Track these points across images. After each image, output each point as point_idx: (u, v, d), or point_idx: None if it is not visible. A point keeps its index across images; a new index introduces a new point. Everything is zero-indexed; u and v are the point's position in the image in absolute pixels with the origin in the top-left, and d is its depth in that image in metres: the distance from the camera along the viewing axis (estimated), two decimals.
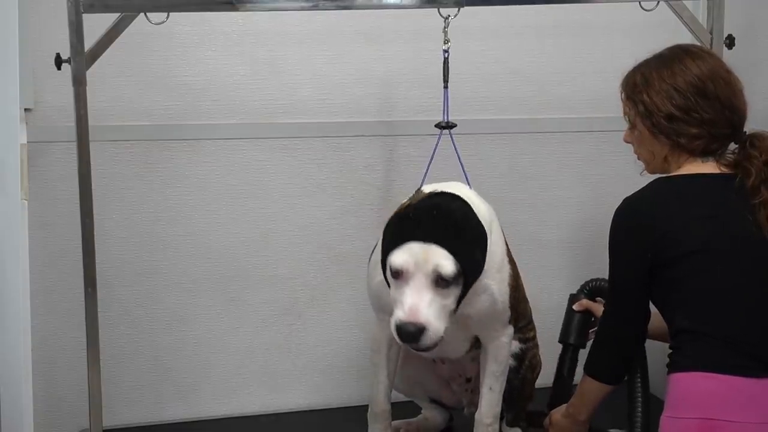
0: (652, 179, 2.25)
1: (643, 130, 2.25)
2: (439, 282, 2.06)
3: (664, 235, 2.11)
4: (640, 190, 2.21)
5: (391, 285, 2.13)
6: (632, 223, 2.17)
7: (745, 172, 2.15)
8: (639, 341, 2.27)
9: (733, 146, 2.23)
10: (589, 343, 2.45)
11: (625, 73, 2.30)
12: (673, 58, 2.23)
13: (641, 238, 2.14)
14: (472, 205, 2.19)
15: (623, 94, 2.30)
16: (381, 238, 2.20)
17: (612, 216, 2.21)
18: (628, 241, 2.17)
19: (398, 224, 2.16)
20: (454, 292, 2.10)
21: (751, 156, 2.16)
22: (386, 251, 2.13)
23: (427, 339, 2.05)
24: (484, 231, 2.19)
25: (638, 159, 2.35)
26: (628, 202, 2.21)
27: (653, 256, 2.12)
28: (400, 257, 2.08)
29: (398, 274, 2.08)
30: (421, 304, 2.05)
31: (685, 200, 2.16)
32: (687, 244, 2.09)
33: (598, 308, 2.53)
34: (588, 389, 2.30)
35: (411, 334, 2.03)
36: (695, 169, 2.20)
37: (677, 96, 2.18)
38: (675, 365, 2.12)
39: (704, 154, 2.20)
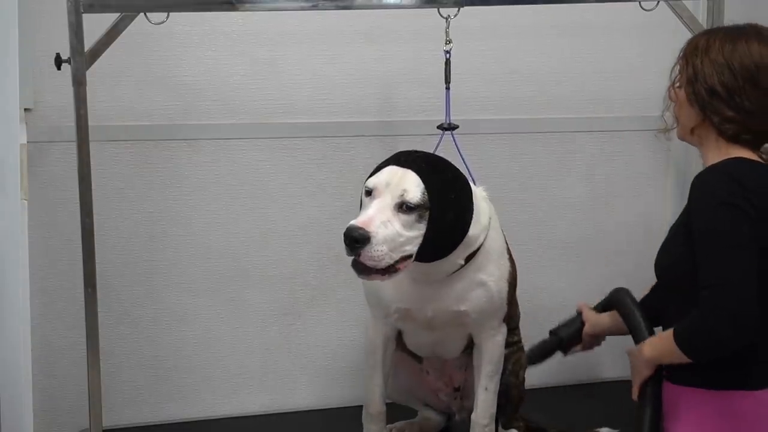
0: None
1: (682, 94, 2.19)
2: (403, 208, 2.07)
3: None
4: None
5: (361, 208, 2.15)
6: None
7: None
8: None
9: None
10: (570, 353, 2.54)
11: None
12: (742, 35, 2.14)
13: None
14: (470, 184, 2.22)
15: (682, 52, 2.22)
16: None
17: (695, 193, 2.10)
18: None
19: (388, 157, 2.21)
20: (417, 226, 2.09)
21: None
22: (368, 177, 2.17)
23: (370, 251, 2.02)
24: (469, 188, 2.21)
25: (675, 121, 2.27)
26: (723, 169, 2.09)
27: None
28: (376, 176, 2.13)
29: (369, 193, 2.12)
30: (377, 218, 2.05)
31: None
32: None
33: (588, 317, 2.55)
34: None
35: (353, 238, 2.02)
36: (748, 156, 2.12)
37: (728, 74, 2.10)
38: (739, 382, 2.09)
39: (733, 140, 2.13)
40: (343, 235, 2.04)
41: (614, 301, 2.49)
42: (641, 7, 2.59)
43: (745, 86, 2.09)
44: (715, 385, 2.08)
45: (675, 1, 2.67)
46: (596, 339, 2.59)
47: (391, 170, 2.13)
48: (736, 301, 1.95)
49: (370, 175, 2.16)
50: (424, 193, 2.08)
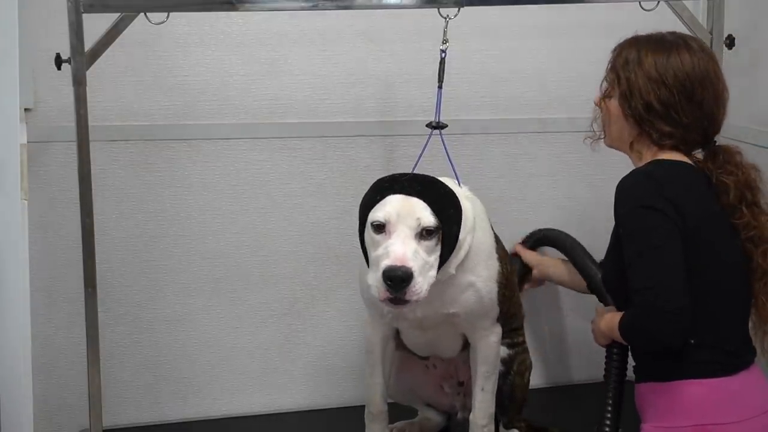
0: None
1: (616, 107, 2.21)
2: (423, 234, 2.07)
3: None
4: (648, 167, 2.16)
5: (372, 245, 2.12)
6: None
7: (723, 186, 2.15)
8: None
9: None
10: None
11: (620, 42, 2.27)
12: (672, 46, 2.18)
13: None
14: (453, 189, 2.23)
15: (610, 63, 2.26)
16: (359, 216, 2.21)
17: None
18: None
19: (375, 187, 2.19)
20: (436, 249, 2.10)
21: (728, 171, 2.16)
22: (366, 211, 2.14)
23: (415, 287, 2.02)
24: (458, 200, 2.21)
25: (602, 128, 2.31)
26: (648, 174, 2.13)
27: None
28: (382, 210, 2.10)
29: (381, 228, 2.09)
30: (407, 252, 2.04)
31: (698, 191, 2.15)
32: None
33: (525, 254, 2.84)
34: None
35: (399, 278, 2.00)
36: (680, 158, 2.17)
37: (664, 89, 2.13)
38: (660, 374, 2.12)
39: (671, 150, 2.18)
40: (384, 279, 2.02)
41: (551, 241, 2.84)
42: (641, 7, 2.60)
43: (681, 101, 2.12)
44: (669, 376, 2.11)
45: (675, 1, 2.67)
46: (541, 280, 2.86)
47: (396, 200, 2.11)
48: (665, 301, 1.98)
49: (367, 208, 2.14)
50: (434, 215, 2.09)
